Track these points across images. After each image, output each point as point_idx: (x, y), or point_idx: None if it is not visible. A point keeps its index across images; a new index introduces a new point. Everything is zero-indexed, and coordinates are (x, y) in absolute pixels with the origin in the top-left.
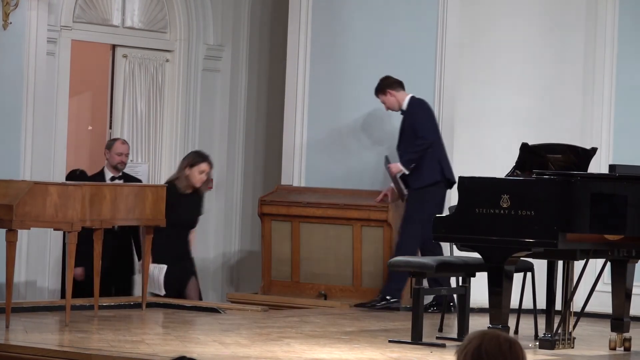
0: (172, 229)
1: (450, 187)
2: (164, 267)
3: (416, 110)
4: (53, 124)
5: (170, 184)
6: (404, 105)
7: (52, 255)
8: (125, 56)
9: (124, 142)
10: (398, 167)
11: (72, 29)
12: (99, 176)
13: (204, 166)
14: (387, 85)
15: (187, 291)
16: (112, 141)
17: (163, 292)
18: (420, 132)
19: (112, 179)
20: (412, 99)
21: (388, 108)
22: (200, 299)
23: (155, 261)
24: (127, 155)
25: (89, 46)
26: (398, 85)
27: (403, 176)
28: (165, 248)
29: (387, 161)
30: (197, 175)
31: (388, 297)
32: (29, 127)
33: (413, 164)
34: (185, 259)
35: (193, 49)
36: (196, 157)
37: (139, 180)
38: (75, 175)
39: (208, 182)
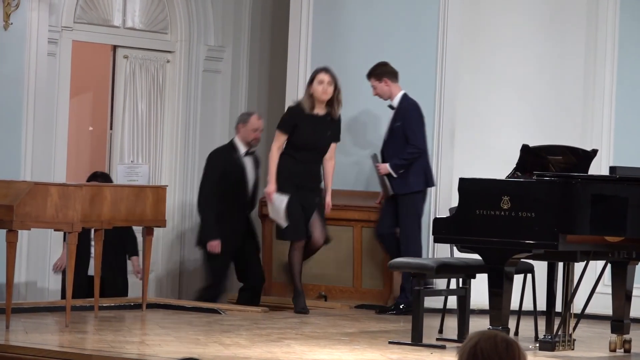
0: (299, 153)
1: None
2: (286, 197)
3: (411, 114)
4: (54, 125)
5: (296, 106)
6: (396, 101)
7: (52, 256)
8: (126, 57)
9: (260, 117)
10: (386, 169)
11: (73, 30)
12: (231, 148)
13: (321, 76)
14: (385, 73)
15: (311, 222)
16: (247, 115)
17: (285, 223)
18: (412, 140)
19: (244, 154)
20: (406, 97)
21: (377, 94)
22: (326, 237)
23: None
24: (262, 130)
25: (90, 47)
26: (394, 76)
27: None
28: (292, 174)
29: (376, 160)
30: (317, 87)
31: (402, 307)
32: (30, 127)
33: (402, 170)
34: (314, 188)
35: (194, 50)
36: (314, 73)
37: (257, 160)
38: (95, 176)
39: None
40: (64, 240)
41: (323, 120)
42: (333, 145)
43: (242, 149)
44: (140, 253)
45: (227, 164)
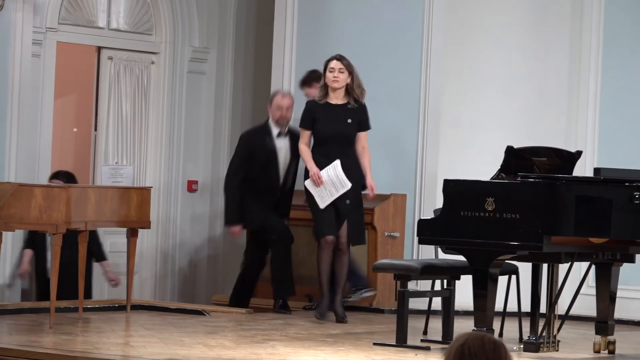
0: (324, 147)
1: None
2: (337, 162)
3: None
4: (38, 126)
5: (312, 99)
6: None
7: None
8: (110, 58)
9: (285, 95)
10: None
11: (58, 31)
12: (263, 129)
13: (332, 63)
14: (317, 78)
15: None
16: (272, 94)
17: (349, 184)
18: None
19: (278, 135)
20: None
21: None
22: (354, 237)
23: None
24: (288, 109)
25: (75, 48)
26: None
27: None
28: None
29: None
30: (328, 75)
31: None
32: (14, 128)
33: None
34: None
35: (178, 51)
36: (326, 61)
37: (296, 135)
38: (58, 175)
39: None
40: (23, 247)
41: (342, 109)
42: (362, 134)
43: (274, 130)
44: (125, 255)
45: (255, 145)
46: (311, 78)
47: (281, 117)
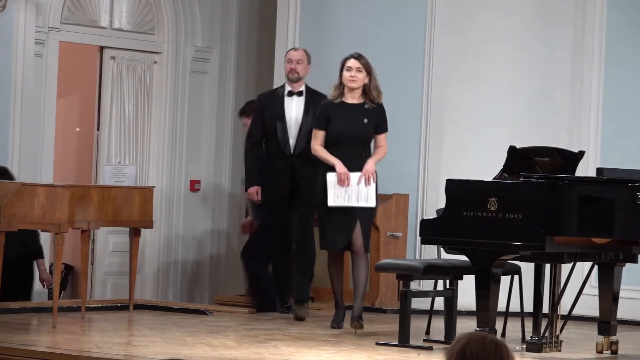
0: (338, 150)
1: None
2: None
3: None
4: (41, 126)
5: (326, 99)
6: None
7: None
8: (113, 58)
9: (298, 48)
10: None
11: (60, 31)
12: (277, 89)
13: (349, 62)
14: (254, 110)
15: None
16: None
17: (373, 203)
18: None
19: (290, 94)
20: None
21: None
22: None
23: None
24: (299, 61)
25: (77, 48)
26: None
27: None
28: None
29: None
30: (345, 74)
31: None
32: (17, 128)
33: None
34: None
35: (181, 51)
36: (343, 60)
37: (322, 96)
38: None
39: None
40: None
41: (357, 109)
42: (380, 136)
43: (287, 89)
44: (128, 254)
45: (266, 105)
46: (249, 109)
47: (290, 71)
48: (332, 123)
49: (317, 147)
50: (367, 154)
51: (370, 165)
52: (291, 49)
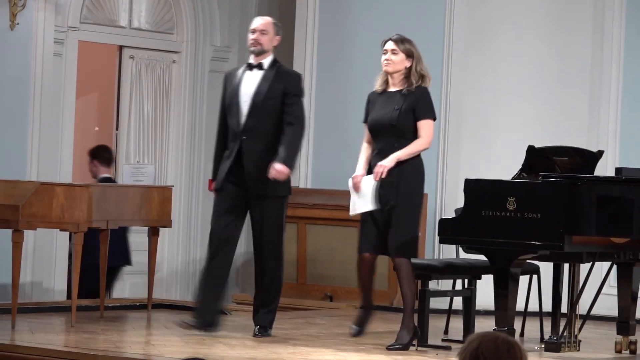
0: (375, 142)
1: None
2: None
3: None
4: (60, 125)
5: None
6: None
7: (58, 256)
8: (132, 57)
9: (263, 17)
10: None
11: (79, 30)
12: (242, 65)
13: (386, 45)
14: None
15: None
16: None
17: (377, 206)
18: None
19: (250, 67)
20: None
21: None
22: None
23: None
24: (262, 32)
25: (96, 47)
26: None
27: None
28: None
29: None
30: (382, 58)
31: None
32: (36, 127)
33: None
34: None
35: (200, 51)
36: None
37: (292, 74)
38: None
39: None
40: None
41: (394, 96)
42: (420, 123)
43: (249, 61)
44: (147, 253)
45: (228, 81)
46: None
47: (253, 43)
48: (371, 114)
49: (363, 144)
50: (402, 145)
51: (386, 160)
52: (257, 17)
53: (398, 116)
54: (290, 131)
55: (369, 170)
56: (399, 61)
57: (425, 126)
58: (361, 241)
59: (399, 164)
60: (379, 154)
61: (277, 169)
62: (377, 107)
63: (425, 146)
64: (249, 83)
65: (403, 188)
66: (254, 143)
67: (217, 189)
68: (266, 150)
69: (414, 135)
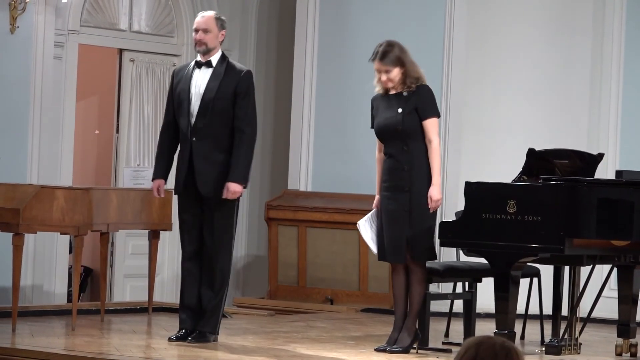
0: (384, 148)
1: None
2: (367, 218)
3: None
4: (60, 128)
5: (374, 96)
6: None
7: (58, 259)
8: (132, 60)
9: (204, 14)
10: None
11: (80, 33)
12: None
13: (374, 66)
14: None
15: None
16: None
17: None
18: None
19: (198, 65)
20: None
21: None
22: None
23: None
24: (205, 31)
25: (96, 50)
26: None
27: None
28: (382, 177)
29: None
30: (377, 79)
31: None
32: (36, 130)
33: None
34: (402, 187)
35: None
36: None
37: (242, 72)
38: None
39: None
40: None
41: (396, 98)
42: (425, 123)
43: (197, 59)
44: (147, 257)
45: (177, 79)
46: None
47: (197, 43)
48: (376, 119)
49: (377, 155)
50: (411, 148)
51: (434, 192)
52: (198, 14)
53: (403, 120)
54: (241, 141)
55: (382, 184)
56: (395, 75)
57: (431, 126)
58: (386, 250)
59: (409, 169)
60: (389, 158)
61: (232, 190)
62: (380, 111)
63: (439, 148)
64: (198, 82)
65: (415, 193)
66: (204, 144)
67: (176, 192)
68: (217, 151)
69: (421, 135)
